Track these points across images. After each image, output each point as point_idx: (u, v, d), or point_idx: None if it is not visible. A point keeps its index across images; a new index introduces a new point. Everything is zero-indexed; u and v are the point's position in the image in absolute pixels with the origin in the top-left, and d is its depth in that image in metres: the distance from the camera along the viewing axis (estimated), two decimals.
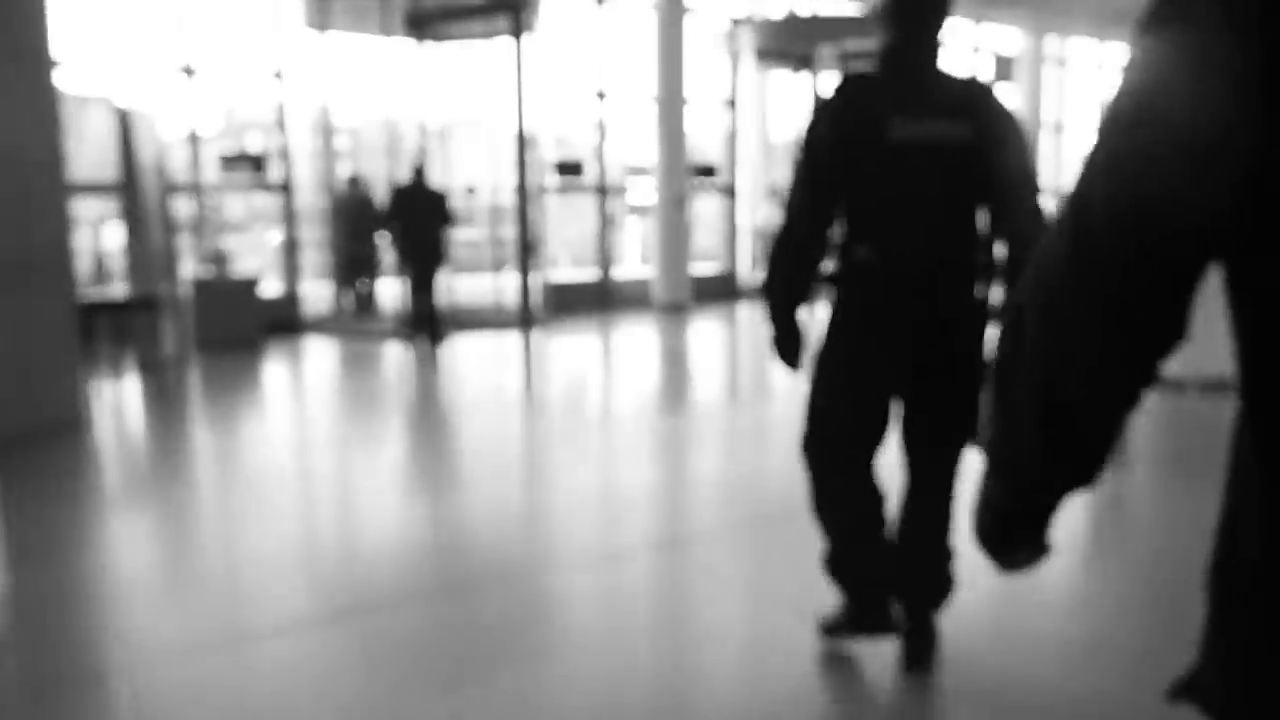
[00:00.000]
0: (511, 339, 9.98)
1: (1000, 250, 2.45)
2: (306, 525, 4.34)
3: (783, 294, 2.54)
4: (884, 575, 2.65)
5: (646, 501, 4.54)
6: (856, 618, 2.69)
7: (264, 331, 9.19)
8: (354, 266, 11.40)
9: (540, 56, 11.55)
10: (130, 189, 7.72)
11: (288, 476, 5.07)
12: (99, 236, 8.72)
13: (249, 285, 9.05)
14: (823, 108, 2.46)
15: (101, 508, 4.49)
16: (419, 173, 9.10)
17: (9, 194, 5.45)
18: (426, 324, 9.21)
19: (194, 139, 9.47)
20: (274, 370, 8.42)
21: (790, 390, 7.25)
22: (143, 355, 7.73)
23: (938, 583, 2.65)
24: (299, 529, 4.23)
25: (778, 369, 7.67)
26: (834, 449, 2.57)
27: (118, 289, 7.48)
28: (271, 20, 10.04)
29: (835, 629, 2.77)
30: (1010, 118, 2.41)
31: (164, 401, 7.01)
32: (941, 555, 2.64)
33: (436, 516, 4.29)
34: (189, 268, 9.25)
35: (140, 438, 6.05)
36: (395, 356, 8.97)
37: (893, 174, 2.37)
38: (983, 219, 2.45)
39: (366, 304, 11.38)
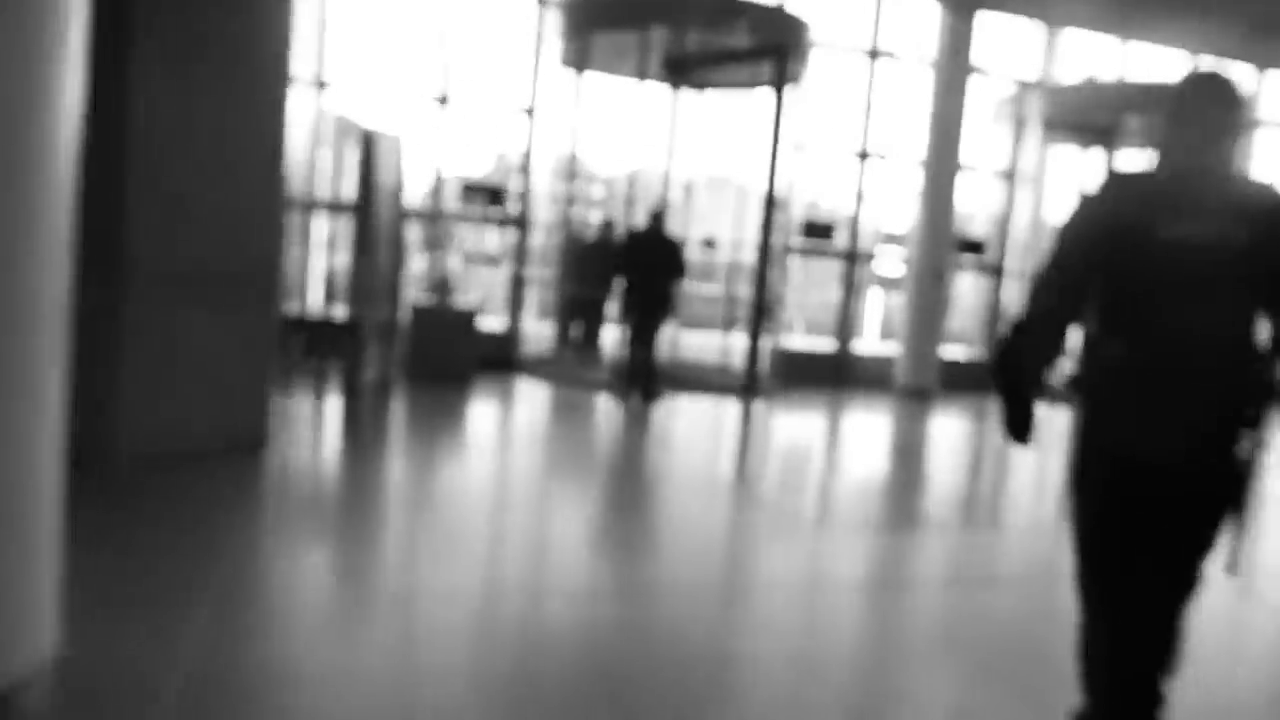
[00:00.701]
0: (731, 407, 9.10)
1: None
2: (476, 580, 3.63)
3: (1020, 379, 2.48)
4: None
5: (846, 652, 3.49)
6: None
7: (477, 366, 8.84)
8: (579, 311, 10.99)
9: (802, 109, 10.76)
10: (365, 211, 7.59)
11: (465, 525, 4.43)
12: (332, 256, 8.71)
13: (468, 317, 8.75)
14: (1087, 200, 2.41)
15: (251, 535, 4.01)
16: (657, 219, 8.49)
17: (224, 204, 5.24)
18: (642, 379, 8.53)
19: (439, 168, 9.39)
20: (476, 408, 7.99)
21: (1033, 512, 5.89)
22: (349, 379, 7.51)
23: None
24: (469, 583, 3.52)
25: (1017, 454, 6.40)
26: (1104, 575, 2.40)
27: (338, 310, 7.28)
28: (529, 56, 9.88)
29: None
30: None
31: (355, 428, 6.69)
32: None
33: (620, 589, 3.46)
34: (413, 294, 9.10)
35: (318, 464, 5.66)
36: (605, 409, 8.33)
37: (1159, 272, 2.27)
38: (1264, 330, 2.30)
39: (586, 349, 10.91)
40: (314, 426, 6.64)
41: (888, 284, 13.00)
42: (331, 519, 4.57)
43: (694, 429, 8.19)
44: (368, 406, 7.32)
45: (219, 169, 5.21)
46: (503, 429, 7.56)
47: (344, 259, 8.51)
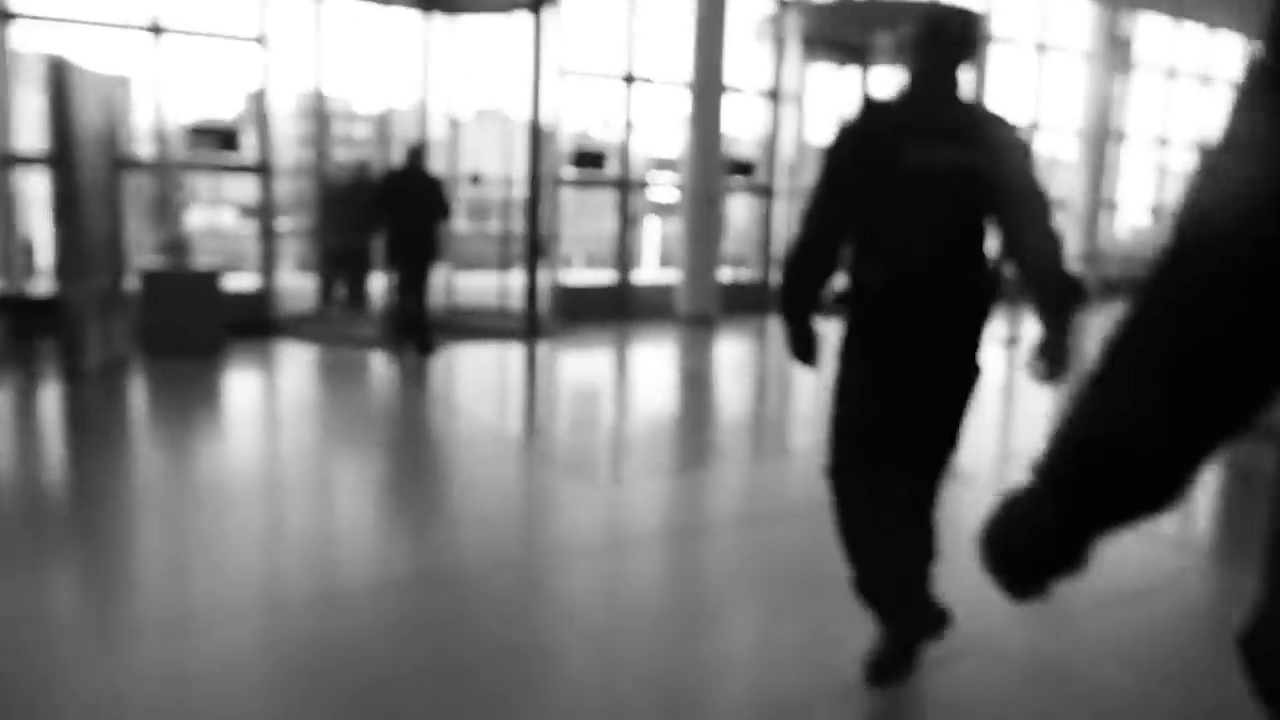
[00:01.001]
0: (513, 351, 8.69)
1: (1011, 268, 2.59)
2: (246, 591, 3.06)
3: (798, 303, 2.69)
4: (910, 578, 2.73)
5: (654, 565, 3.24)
6: (899, 631, 2.74)
7: (225, 333, 7.92)
8: (340, 261, 10.14)
9: (563, 33, 10.26)
10: (62, 163, 6.47)
11: (225, 525, 3.79)
12: (24, 220, 7.45)
13: (209, 279, 7.78)
14: (847, 129, 2.60)
15: None
16: (415, 155, 7.82)
17: None
18: (414, 330, 7.93)
19: (158, 108, 8.22)
20: (229, 381, 7.15)
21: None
22: (67, 363, 6.47)
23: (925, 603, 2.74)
24: (237, 596, 2.94)
25: (801, 376, 6.45)
26: (857, 467, 2.68)
27: (41, 284, 6.21)
28: None
29: (883, 665, 2.74)
30: (1020, 143, 2.58)
31: (78, 420, 5.76)
32: (926, 571, 2.74)
33: (410, 578, 3.00)
34: (143, 259, 8.00)
35: (25, 471, 4.78)
36: (378, 368, 7.69)
37: (903, 197, 2.52)
38: (993, 241, 2.59)
39: (353, 304, 10.12)
40: (17, 427, 5.66)
41: (663, 211, 12.89)
42: (55, 537, 3.81)
43: (475, 380, 7.72)
44: (93, 393, 6.34)
45: None
46: (261, 402, 6.79)
47: (42, 223, 7.29)
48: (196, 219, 9.97)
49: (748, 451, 5.68)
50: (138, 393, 6.64)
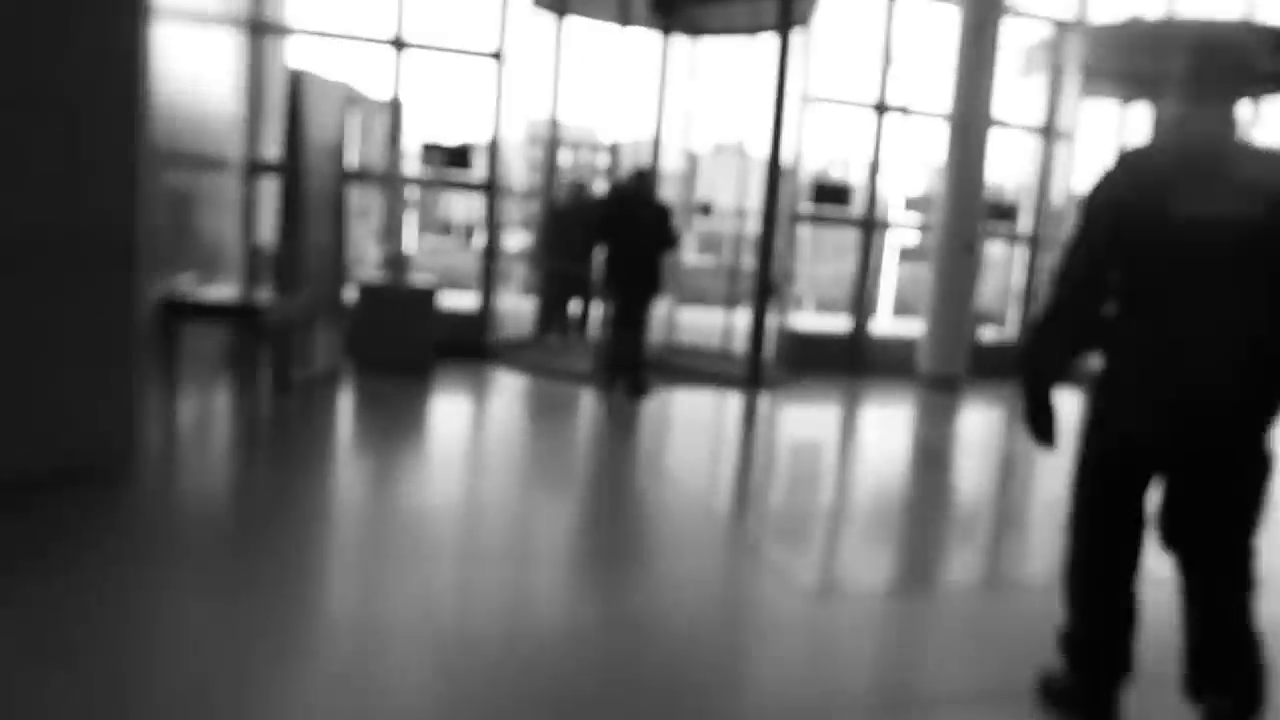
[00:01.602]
0: (732, 401, 7.87)
1: None
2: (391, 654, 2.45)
3: (1044, 371, 2.50)
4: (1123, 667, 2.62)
5: None
6: (1083, 701, 2.65)
7: (434, 353, 7.61)
8: (560, 288, 9.76)
9: (812, 57, 9.45)
10: (293, 172, 6.33)
11: (409, 561, 3.23)
12: (260, 227, 7.45)
13: (425, 296, 7.50)
14: (1106, 175, 2.42)
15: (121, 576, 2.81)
16: (642, 177, 7.23)
17: (55, 149, 4.01)
18: (627, 368, 7.30)
19: (395, 119, 8.09)
20: (430, 405, 6.77)
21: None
22: (277, 373, 6.28)
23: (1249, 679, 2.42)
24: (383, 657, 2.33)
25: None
26: (1101, 548, 2.59)
27: (262, 292, 6.06)
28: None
29: (1057, 695, 2.73)
30: None
31: (276, 434, 5.48)
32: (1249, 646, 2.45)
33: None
34: (362, 271, 7.86)
35: (202, 486, 4.45)
36: (586, 407, 7.11)
37: (1175, 253, 2.28)
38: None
39: (571, 333, 9.68)
40: (212, 437, 5.43)
41: (910, 256, 11.70)
42: (214, 554, 3.36)
43: (685, 432, 6.96)
44: (297, 407, 6.11)
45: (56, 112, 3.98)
46: (454, 429, 6.33)
47: (270, 230, 7.24)
48: (414, 235, 9.87)
49: (984, 570, 4.54)
50: (339, 408, 6.37)
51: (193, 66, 5.43)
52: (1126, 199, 2.34)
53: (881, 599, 3.75)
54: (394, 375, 7.27)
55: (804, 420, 7.73)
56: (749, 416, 7.49)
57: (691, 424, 7.15)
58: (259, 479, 4.73)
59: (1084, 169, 11.43)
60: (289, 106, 6.28)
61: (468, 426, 6.45)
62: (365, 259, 8.15)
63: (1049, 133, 10.78)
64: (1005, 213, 10.53)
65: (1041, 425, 2.51)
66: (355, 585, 3.46)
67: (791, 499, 5.24)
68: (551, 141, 9.55)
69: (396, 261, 7.64)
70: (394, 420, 6.18)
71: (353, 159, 7.60)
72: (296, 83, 6.30)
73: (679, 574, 3.81)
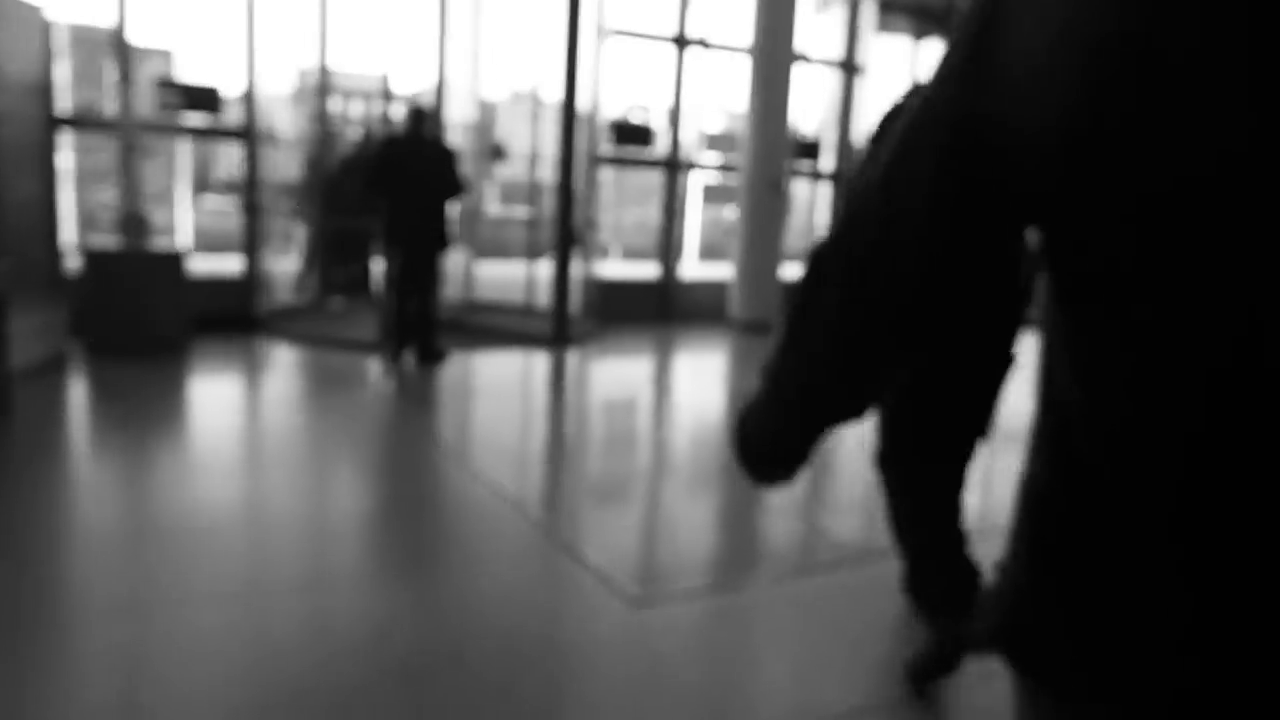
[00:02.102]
0: (538, 362, 7.23)
1: None
2: None
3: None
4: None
5: None
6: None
7: (189, 327, 6.54)
8: (340, 246, 8.77)
9: None
10: None
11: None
12: None
13: (170, 262, 6.39)
14: (894, 109, 2.46)
15: None
16: (416, 119, 6.37)
17: None
18: (415, 333, 6.51)
19: (123, 54, 6.79)
20: (180, 394, 5.76)
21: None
22: None
23: None
24: None
25: None
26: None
27: None
28: None
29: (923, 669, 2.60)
30: None
31: None
32: None
33: None
34: (94, 237, 6.64)
35: None
36: (369, 381, 6.27)
37: None
38: None
39: (354, 295, 8.73)
40: None
41: (712, 197, 11.32)
42: None
43: (487, 403, 6.27)
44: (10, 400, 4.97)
45: None
46: (211, 427, 5.36)
47: None
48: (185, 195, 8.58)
49: (814, 555, 4.17)
50: (62, 405, 5.26)
51: None
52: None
53: (710, 595, 3.24)
54: (137, 358, 6.16)
55: (615, 379, 7.20)
56: (556, 378, 6.88)
57: (491, 391, 6.46)
58: None
59: (881, 106, 11.39)
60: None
61: (228, 415, 5.50)
62: (99, 222, 6.90)
63: (848, 68, 10.61)
64: (808, 150, 10.31)
65: None
66: (99, 642, 2.60)
67: (606, 477, 4.68)
68: (321, 87, 8.46)
69: (133, 223, 6.46)
70: (133, 415, 5.15)
71: (65, 101, 6.33)
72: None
73: (487, 591, 3.16)
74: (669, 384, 7.39)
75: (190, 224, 8.50)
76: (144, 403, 5.33)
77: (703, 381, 7.42)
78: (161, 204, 8.36)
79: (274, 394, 6.05)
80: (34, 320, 5.68)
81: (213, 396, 5.87)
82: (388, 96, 8.83)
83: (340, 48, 8.44)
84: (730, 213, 11.88)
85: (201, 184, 15.84)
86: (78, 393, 5.56)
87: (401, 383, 6.21)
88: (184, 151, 8.51)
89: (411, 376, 6.35)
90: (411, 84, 8.98)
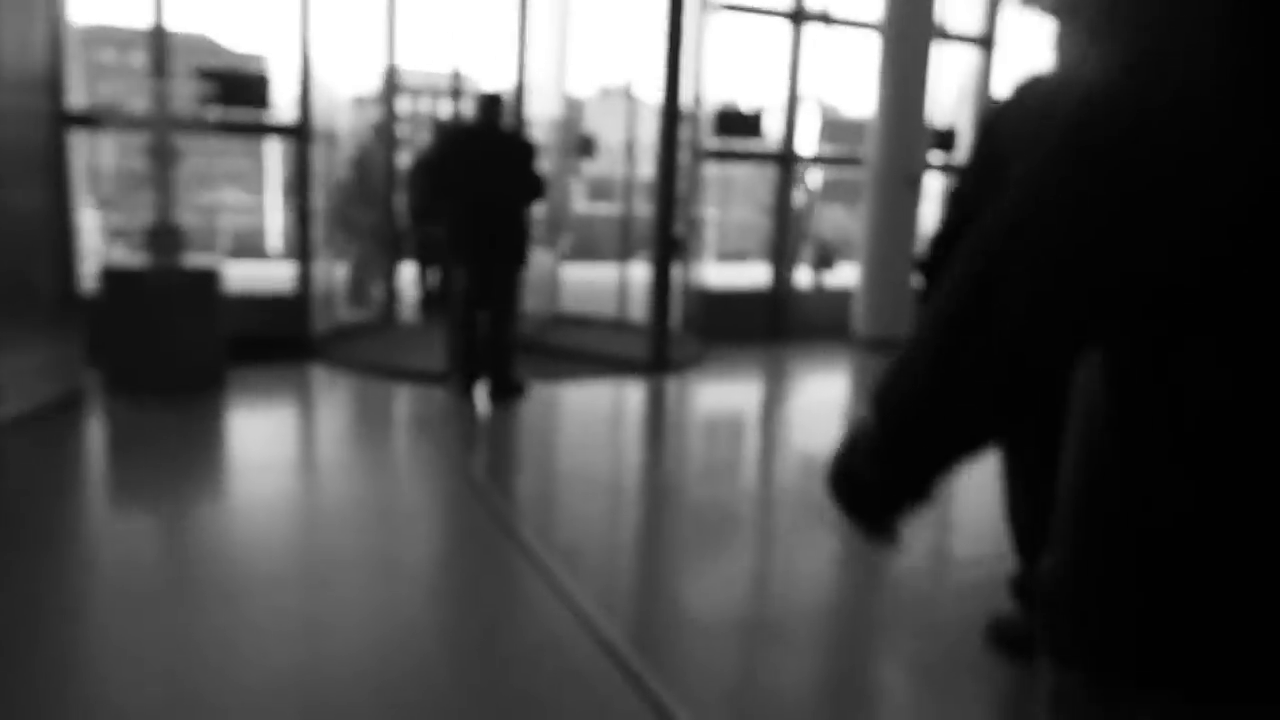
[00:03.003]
0: (634, 394, 6.08)
1: None
2: None
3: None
4: None
5: None
6: None
7: (226, 359, 5.59)
8: (423, 256, 7.81)
9: None
10: None
11: None
12: None
13: (204, 280, 5.42)
14: (1020, 87, 2.35)
15: None
16: (490, 108, 5.27)
17: None
18: (485, 363, 5.44)
19: (160, 44, 5.87)
20: (210, 445, 4.77)
21: None
22: None
23: None
24: None
25: None
26: None
27: None
28: None
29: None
30: None
31: None
32: None
33: None
34: (106, 251, 5.75)
35: None
36: (434, 423, 5.20)
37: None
38: None
39: (430, 312, 7.74)
40: None
41: (830, 193, 9.95)
42: None
43: (571, 458, 5.11)
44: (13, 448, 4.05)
45: None
46: (238, 494, 4.35)
47: None
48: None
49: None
50: (70, 456, 4.31)
51: None
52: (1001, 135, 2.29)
53: None
54: (164, 395, 5.22)
55: (728, 421, 5.98)
56: (656, 420, 5.72)
57: (578, 442, 5.26)
58: None
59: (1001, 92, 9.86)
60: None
61: (255, 481, 4.47)
62: (129, 234, 6.03)
63: (988, 44, 9.15)
64: (943, 140, 8.90)
65: None
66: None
67: (726, 592, 3.48)
68: (388, 84, 7.48)
69: (164, 236, 5.51)
70: (158, 468, 4.17)
71: (79, 96, 5.43)
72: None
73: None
74: (795, 428, 6.13)
75: (279, 229, 7.66)
76: (159, 459, 4.34)
77: (821, 409, 6.13)
78: (211, 211, 7.47)
79: (316, 446, 5.03)
80: (39, 355, 4.77)
81: (242, 451, 4.86)
82: (458, 94, 7.79)
83: (410, 43, 7.46)
84: (844, 213, 10.56)
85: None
86: (84, 444, 4.61)
87: (471, 427, 5.12)
88: (273, 150, 7.66)
89: (483, 418, 5.27)
90: (488, 81, 7.76)
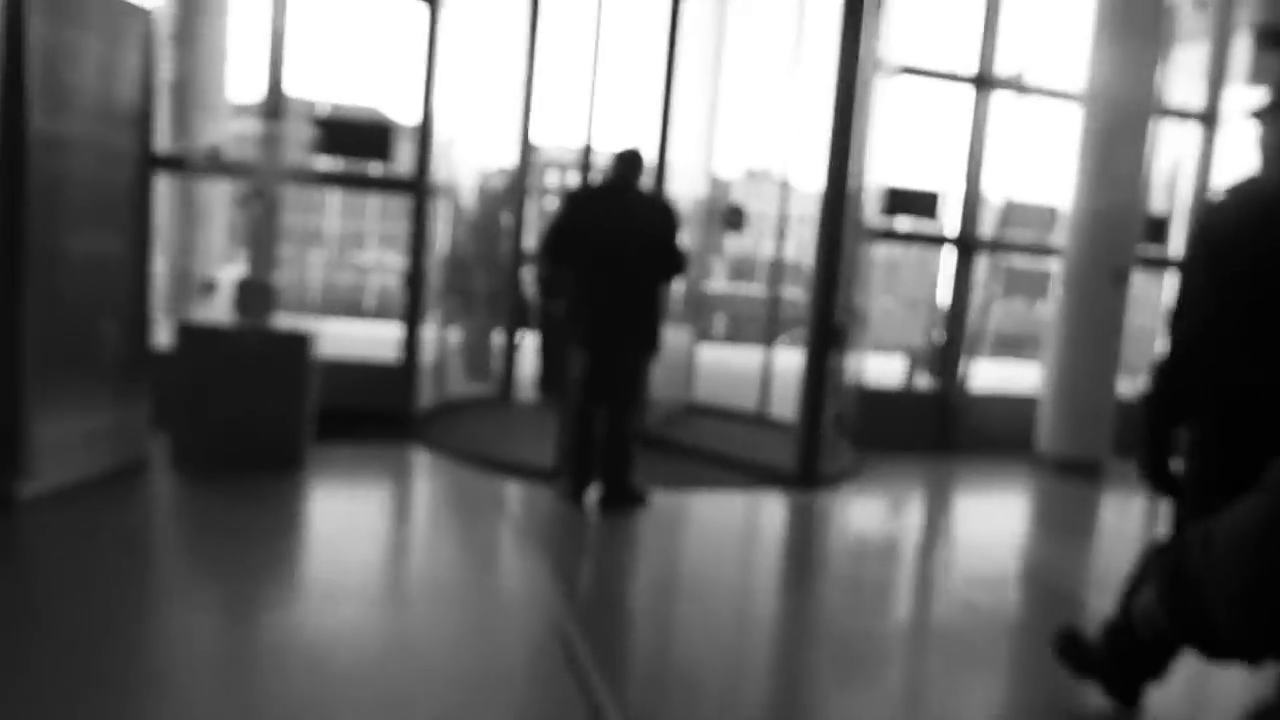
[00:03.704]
0: (773, 514, 5.06)
1: None
2: None
3: (1170, 416, 2.24)
4: None
5: None
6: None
7: (311, 436, 4.90)
8: (543, 326, 7.07)
9: (888, 15, 6.66)
10: (12, 129, 3.68)
11: None
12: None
13: (294, 345, 4.77)
14: (1225, 203, 2.18)
15: None
16: (626, 167, 4.46)
17: None
18: (598, 464, 4.54)
19: (276, 71, 5.38)
20: (281, 538, 4.03)
21: None
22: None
23: None
24: None
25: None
26: None
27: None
28: None
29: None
30: None
31: None
32: None
33: None
34: (187, 307, 5.20)
35: None
36: (537, 533, 4.33)
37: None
38: None
39: (546, 391, 6.95)
40: None
41: (1020, 286, 8.66)
42: None
43: (689, 615, 4.12)
44: (32, 540, 3.40)
45: None
46: (303, 606, 3.56)
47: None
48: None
49: None
50: (117, 539, 3.63)
51: None
52: (1243, 234, 2.11)
53: None
54: (236, 472, 4.55)
55: (879, 553, 4.86)
56: (802, 555, 4.67)
57: (704, 580, 4.23)
58: None
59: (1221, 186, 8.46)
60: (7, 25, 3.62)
61: (317, 605, 3.67)
62: (218, 289, 5.50)
63: (1211, 120, 7.88)
64: (1155, 230, 7.61)
65: (1162, 471, 2.23)
66: None
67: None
68: (522, 150, 6.88)
69: (253, 294, 4.91)
70: (196, 570, 3.44)
71: (164, 133, 4.96)
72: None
73: None
74: (951, 567, 4.95)
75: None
76: (205, 559, 3.60)
77: (1002, 548, 4.91)
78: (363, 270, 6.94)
79: (392, 560, 4.22)
80: (96, 419, 4.17)
81: (306, 560, 4.09)
82: (588, 169, 7.11)
83: (546, 116, 6.98)
84: (1023, 306, 9.30)
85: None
86: (123, 526, 3.94)
87: (579, 540, 4.22)
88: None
89: (593, 529, 4.36)
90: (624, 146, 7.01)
